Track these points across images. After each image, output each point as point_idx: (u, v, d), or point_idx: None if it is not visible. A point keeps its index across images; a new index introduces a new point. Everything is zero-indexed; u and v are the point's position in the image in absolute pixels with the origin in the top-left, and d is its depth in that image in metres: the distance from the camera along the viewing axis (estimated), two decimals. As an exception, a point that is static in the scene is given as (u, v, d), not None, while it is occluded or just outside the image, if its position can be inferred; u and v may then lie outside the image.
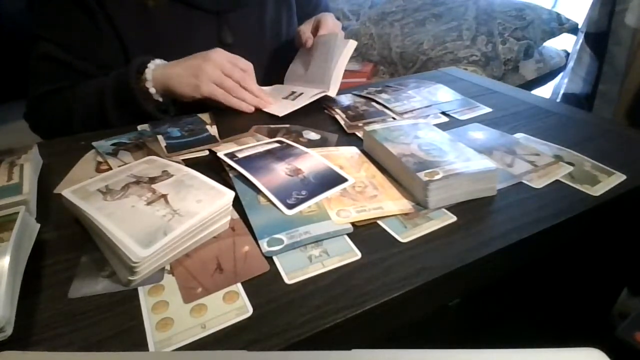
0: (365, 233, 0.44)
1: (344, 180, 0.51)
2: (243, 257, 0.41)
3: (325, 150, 0.58)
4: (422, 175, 0.47)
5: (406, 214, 0.47)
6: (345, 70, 0.76)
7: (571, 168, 0.55)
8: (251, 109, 0.72)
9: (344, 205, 0.47)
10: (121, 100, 0.68)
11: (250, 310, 0.35)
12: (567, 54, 1.71)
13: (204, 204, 0.42)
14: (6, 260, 0.35)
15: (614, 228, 0.59)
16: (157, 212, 0.41)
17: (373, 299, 0.37)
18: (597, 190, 0.51)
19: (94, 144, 0.60)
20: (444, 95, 0.79)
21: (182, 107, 0.71)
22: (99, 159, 0.57)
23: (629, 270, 0.67)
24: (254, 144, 0.57)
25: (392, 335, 0.42)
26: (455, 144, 0.54)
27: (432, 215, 0.47)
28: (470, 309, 0.48)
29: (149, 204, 0.42)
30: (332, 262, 0.40)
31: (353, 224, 0.45)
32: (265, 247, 0.41)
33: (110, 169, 0.53)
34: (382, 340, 0.40)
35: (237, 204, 0.46)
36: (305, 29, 0.82)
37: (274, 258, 0.40)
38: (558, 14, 1.70)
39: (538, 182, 0.53)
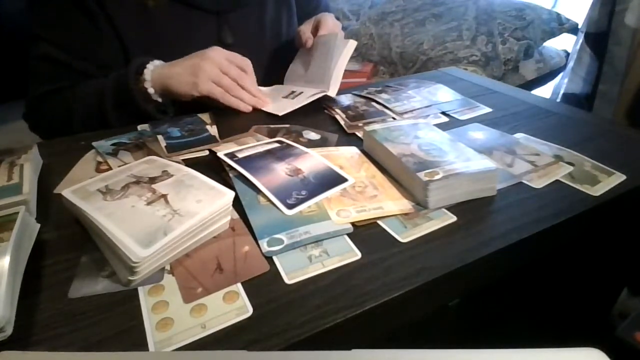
0: (365, 233, 0.44)
1: (344, 180, 0.51)
2: (243, 257, 0.41)
3: (325, 150, 0.58)
4: (422, 175, 0.47)
5: (406, 214, 0.47)
6: (345, 70, 0.76)
7: (571, 168, 0.56)
8: (249, 109, 0.72)
9: (344, 205, 0.47)
10: (121, 101, 0.68)
11: (250, 310, 0.35)
12: (567, 54, 1.71)
13: (204, 204, 0.42)
14: (6, 260, 0.35)
15: (614, 228, 0.59)
16: (157, 212, 0.41)
17: (373, 299, 0.37)
18: (597, 190, 0.51)
19: (94, 144, 0.60)
20: (444, 95, 0.79)
21: (182, 107, 0.71)
22: (99, 159, 0.57)
23: (629, 270, 0.67)
24: (254, 144, 0.57)
25: (392, 335, 0.42)
26: (455, 144, 0.54)
27: (432, 215, 0.47)
28: (470, 309, 0.48)
29: (149, 204, 0.42)
30: (332, 262, 0.40)
31: (353, 224, 0.45)
32: (265, 247, 0.41)
33: (110, 169, 0.53)
34: (382, 340, 0.40)
35: (237, 204, 0.46)
36: (305, 29, 0.82)
37: (274, 258, 0.40)
38: (558, 14, 1.70)
39: (538, 182, 0.53)
